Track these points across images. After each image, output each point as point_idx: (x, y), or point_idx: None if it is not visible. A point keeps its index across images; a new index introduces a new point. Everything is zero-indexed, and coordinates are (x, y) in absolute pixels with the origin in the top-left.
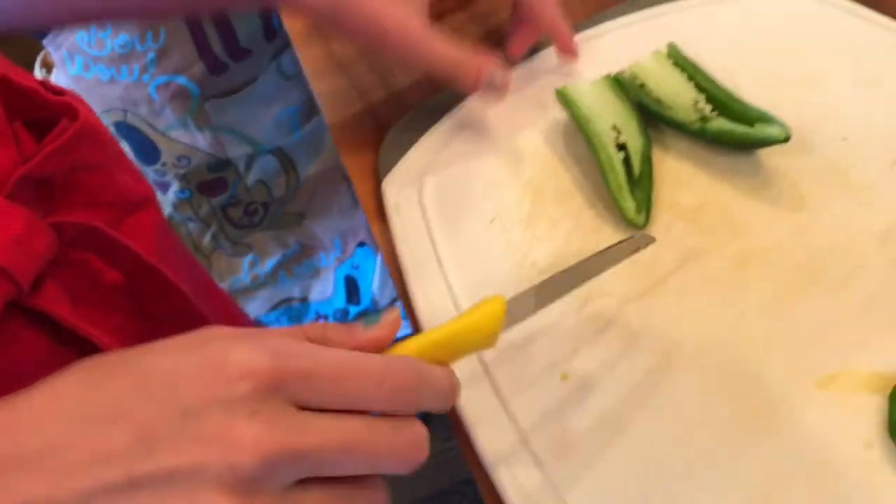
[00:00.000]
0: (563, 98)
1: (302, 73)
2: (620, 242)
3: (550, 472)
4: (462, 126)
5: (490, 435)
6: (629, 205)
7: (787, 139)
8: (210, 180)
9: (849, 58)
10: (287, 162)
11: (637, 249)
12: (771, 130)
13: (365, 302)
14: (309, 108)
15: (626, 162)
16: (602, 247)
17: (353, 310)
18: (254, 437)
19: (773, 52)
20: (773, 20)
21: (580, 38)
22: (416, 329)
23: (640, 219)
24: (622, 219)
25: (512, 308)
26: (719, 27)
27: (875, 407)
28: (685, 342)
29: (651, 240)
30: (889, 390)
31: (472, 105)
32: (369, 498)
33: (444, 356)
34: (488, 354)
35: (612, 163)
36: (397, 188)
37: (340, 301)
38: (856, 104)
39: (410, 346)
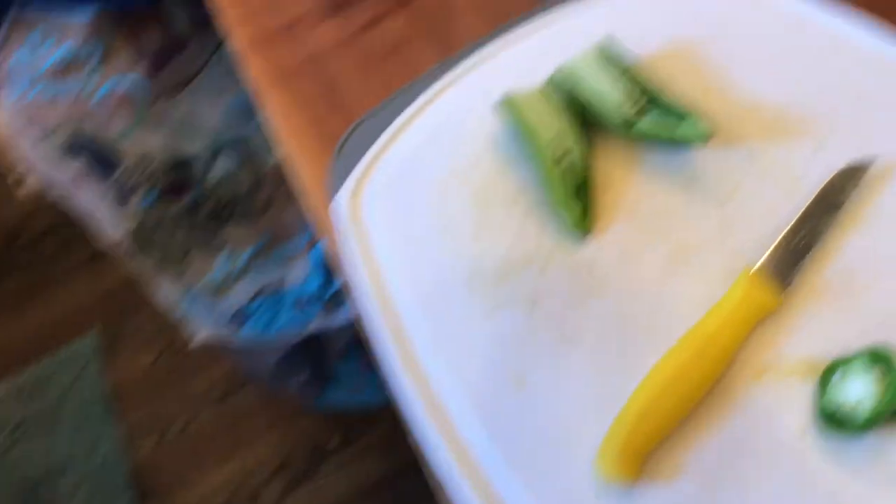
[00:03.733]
0: (508, 106)
1: None
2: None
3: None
4: (409, 135)
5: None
6: (573, 214)
7: (708, 138)
8: (173, 181)
9: (773, 44)
10: (248, 152)
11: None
12: (693, 130)
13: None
14: None
15: (569, 170)
16: None
17: (331, 290)
18: None
19: (701, 38)
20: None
21: (520, 32)
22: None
23: (584, 226)
24: (565, 225)
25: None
26: (645, 16)
27: (808, 394)
28: (627, 343)
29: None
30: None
31: (417, 112)
32: None
33: None
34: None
35: (553, 175)
36: (345, 204)
37: (316, 283)
38: (779, 93)
39: None
